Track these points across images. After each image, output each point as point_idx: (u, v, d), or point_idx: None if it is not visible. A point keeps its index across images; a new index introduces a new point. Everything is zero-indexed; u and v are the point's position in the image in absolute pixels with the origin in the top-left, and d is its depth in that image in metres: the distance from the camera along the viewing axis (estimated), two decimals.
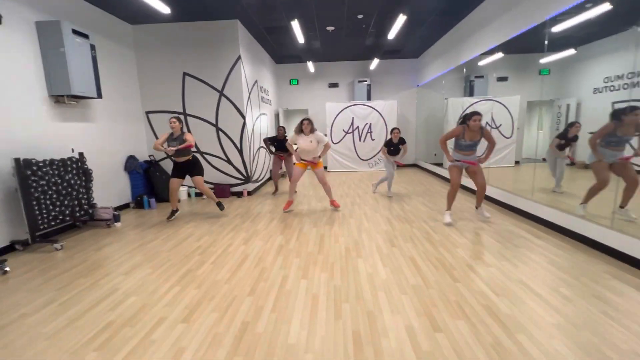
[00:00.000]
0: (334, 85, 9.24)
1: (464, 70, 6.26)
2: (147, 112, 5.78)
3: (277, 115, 8.85)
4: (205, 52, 5.57)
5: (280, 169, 6.15)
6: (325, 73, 9.18)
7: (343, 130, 8.79)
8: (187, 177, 4.49)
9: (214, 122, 5.81)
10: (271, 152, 5.96)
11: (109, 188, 4.87)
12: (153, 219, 4.58)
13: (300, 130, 4.55)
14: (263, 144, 6.54)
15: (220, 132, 5.85)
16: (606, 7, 3.18)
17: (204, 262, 3.02)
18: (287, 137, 5.62)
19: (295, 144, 4.72)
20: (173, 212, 4.50)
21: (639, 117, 2.92)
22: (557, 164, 4.17)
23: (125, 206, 5.25)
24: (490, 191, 4.88)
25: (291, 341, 1.86)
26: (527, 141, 5.42)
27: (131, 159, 5.29)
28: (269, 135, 7.72)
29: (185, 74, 5.65)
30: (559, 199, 4.05)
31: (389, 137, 5.73)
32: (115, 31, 5.13)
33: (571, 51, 3.76)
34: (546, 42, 3.81)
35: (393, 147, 5.43)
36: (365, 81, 8.81)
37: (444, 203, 4.97)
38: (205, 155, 5.94)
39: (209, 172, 5.95)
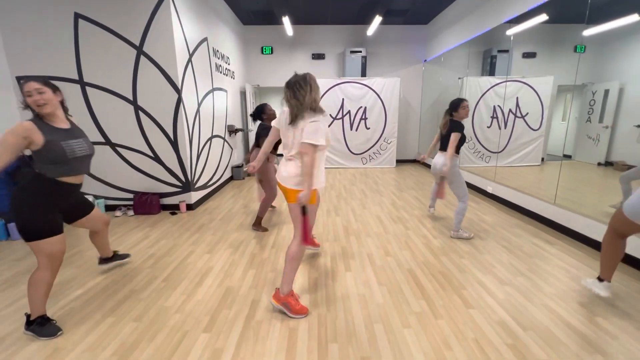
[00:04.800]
0: (319, 56, 7.16)
1: (512, 38, 4.47)
2: (19, 78, 3.59)
3: (243, 94, 6.74)
4: None
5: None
6: (308, 40, 7.08)
7: (330, 115, 6.81)
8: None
9: (130, 97, 3.70)
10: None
11: None
12: None
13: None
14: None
15: (141, 114, 3.75)
16: None
17: None
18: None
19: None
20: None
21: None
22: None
23: None
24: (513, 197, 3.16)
25: None
26: (552, 135, 4.30)
27: None
28: (229, 122, 5.66)
29: (77, 15, 3.47)
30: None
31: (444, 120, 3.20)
32: None
33: (634, 17, 2.75)
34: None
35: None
36: (360, 52, 6.80)
37: (479, 227, 3.18)
38: (120, 149, 3.85)
39: (128, 175, 3.88)
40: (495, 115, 5.04)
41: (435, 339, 1.69)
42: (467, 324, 1.81)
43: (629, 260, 2.44)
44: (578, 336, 1.70)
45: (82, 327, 1.81)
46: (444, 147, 3.00)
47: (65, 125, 1.78)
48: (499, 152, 4.96)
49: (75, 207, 1.99)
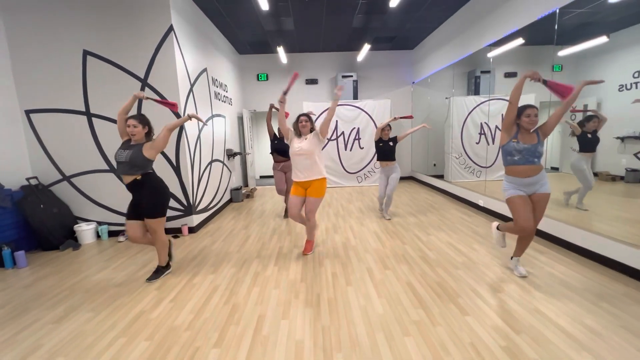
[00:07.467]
0: (312, 81, 7.52)
1: (491, 60, 4.81)
2: (28, 112, 3.77)
3: (240, 119, 6.99)
4: (116, 19, 3.67)
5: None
6: (302, 66, 7.46)
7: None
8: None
9: None
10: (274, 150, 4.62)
11: None
12: None
13: (297, 132, 3.19)
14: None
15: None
16: None
17: None
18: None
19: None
20: (158, 270, 2.83)
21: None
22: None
23: None
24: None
25: None
26: None
27: None
28: (228, 146, 5.87)
29: (86, 52, 3.71)
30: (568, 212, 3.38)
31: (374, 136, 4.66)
32: None
33: (603, 39, 3.07)
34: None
35: (383, 143, 4.31)
36: (351, 76, 7.17)
37: (484, 250, 3.31)
38: None
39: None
40: (482, 132, 5.30)
41: (434, 345, 1.79)
42: (463, 330, 1.92)
43: (609, 262, 2.59)
44: (566, 336, 1.82)
45: (95, 347, 1.88)
46: None
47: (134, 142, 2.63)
48: (489, 166, 5.19)
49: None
